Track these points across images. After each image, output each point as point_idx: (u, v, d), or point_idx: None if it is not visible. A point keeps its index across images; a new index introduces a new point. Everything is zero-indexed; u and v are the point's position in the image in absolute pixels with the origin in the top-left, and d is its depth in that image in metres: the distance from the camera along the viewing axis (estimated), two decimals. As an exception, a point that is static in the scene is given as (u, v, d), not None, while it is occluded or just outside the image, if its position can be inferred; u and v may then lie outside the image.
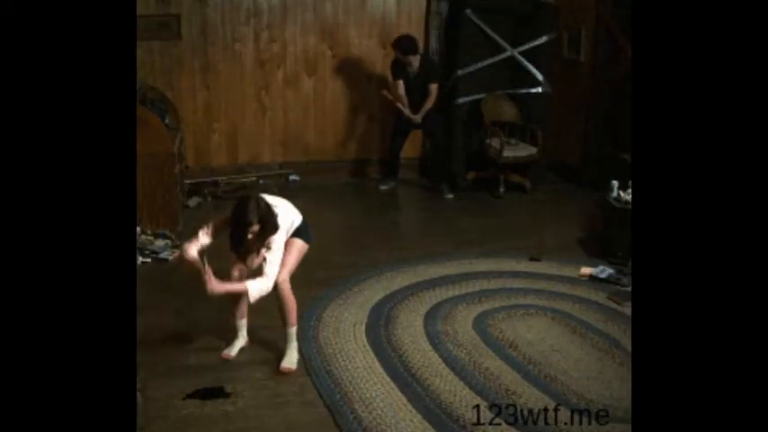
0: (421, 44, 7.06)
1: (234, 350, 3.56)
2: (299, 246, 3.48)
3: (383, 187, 6.66)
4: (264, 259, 3.29)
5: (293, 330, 3.47)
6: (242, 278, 3.40)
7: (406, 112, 6.29)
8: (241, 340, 3.61)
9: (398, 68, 6.30)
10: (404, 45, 6.16)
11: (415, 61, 6.21)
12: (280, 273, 3.32)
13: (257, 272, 3.35)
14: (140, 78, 5.86)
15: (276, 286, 3.31)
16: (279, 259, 3.30)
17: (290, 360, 3.44)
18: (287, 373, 3.38)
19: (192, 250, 3.24)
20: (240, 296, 3.46)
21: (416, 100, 6.30)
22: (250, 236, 3.20)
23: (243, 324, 3.61)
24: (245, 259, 3.39)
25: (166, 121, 5.54)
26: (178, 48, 6.45)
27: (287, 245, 3.40)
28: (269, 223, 3.22)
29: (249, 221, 3.15)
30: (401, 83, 6.28)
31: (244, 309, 3.58)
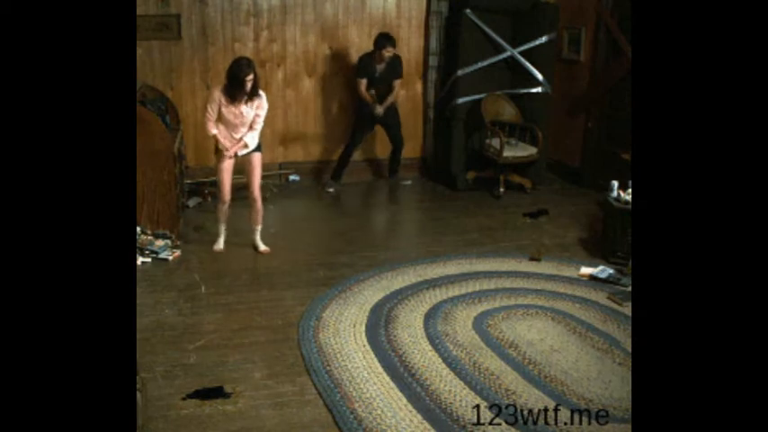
0: (421, 44, 7.08)
1: (221, 244, 5.03)
2: (259, 157, 4.95)
3: (329, 189, 6.69)
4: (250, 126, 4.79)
5: (259, 228, 5.07)
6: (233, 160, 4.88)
7: (373, 106, 6.43)
8: (223, 236, 5.05)
9: (363, 66, 6.43)
10: (380, 39, 6.34)
11: (387, 55, 6.34)
12: (254, 185, 4.93)
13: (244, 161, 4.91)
14: (140, 78, 5.87)
15: (252, 197, 4.95)
16: (264, 117, 4.80)
17: (262, 246, 5.04)
18: (266, 254, 4.96)
19: (213, 129, 4.77)
20: (225, 211, 4.98)
21: (381, 95, 6.52)
22: (248, 83, 4.54)
23: (223, 227, 5.04)
24: (240, 105, 4.67)
25: (166, 120, 5.54)
26: (178, 48, 6.45)
27: (253, 159, 4.88)
28: (257, 75, 4.62)
29: (246, 72, 4.51)
30: (364, 81, 6.42)
31: (224, 217, 5.01)
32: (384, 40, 6.31)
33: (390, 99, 6.51)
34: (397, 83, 6.54)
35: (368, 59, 6.41)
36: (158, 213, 5.07)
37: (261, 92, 4.79)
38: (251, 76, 4.56)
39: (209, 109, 4.74)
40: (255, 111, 4.73)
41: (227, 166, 4.84)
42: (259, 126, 4.81)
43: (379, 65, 6.40)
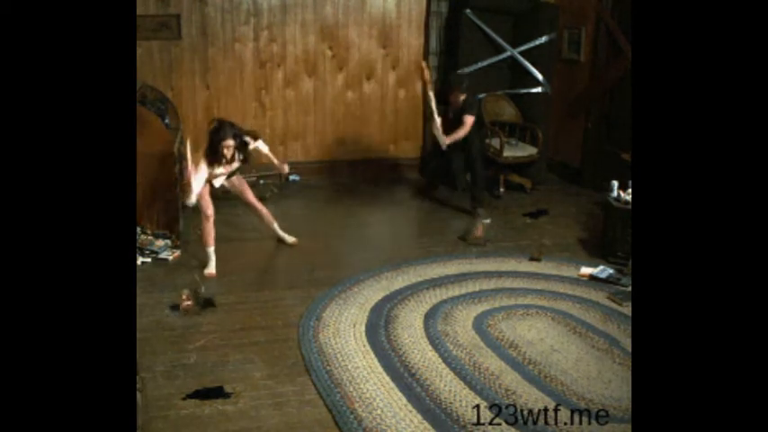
0: (421, 44, 7.08)
1: (213, 268, 4.59)
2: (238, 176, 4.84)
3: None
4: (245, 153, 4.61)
5: (276, 224, 5.09)
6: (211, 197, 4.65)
7: (442, 137, 5.75)
8: (213, 259, 4.62)
9: (440, 104, 5.81)
10: (454, 80, 5.80)
11: (461, 97, 5.73)
12: (251, 198, 4.91)
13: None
14: (140, 78, 5.87)
15: (253, 207, 4.97)
16: (265, 145, 4.82)
17: (289, 237, 5.12)
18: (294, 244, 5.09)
19: (195, 198, 4.39)
20: (210, 231, 4.59)
21: (451, 129, 5.79)
22: (226, 150, 4.31)
23: (212, 250, 4.63)
24: (220, 166, 4.44)
25: (166, 121, 5.54)
26: (178, 48, 6.45)
27: (234, 180, 4.77)
28: (241, 137, 4.41)
29: (221, 137, 4.26)
30: (439, 121, 5.77)
31: (211, 239, 4.63)
32: (455, 81, 5.77)
33: (460, 133, 5.73)
34: (468, 118, 5.72)
35: (442, 97, 5.88)
36: (158, 213, 5.07)
37: (258, 141, 4.71)
38: (230, 142, 4.27)
39: (195, 183, 4.29)
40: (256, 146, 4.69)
41: (205, 191, 4.55)
42: (264, 148, 4.82)
43: (453, 105, 5.82)
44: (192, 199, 4.33)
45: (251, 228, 5.49)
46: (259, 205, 5.00)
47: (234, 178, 4.79)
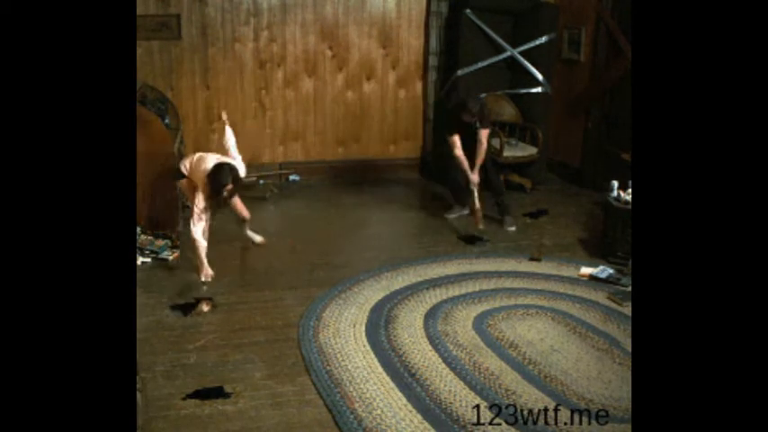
0: (421, 44, 7.08)
1: (210, 270, 4.50)
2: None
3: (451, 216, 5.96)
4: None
5: (247, 223, 5.01)
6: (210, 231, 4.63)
7: (468, 173, 5.50)
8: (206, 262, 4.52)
9: (453, 120, 5.48)
10: (473, 106, 5.35)
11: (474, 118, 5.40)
12: (240, 209, 4.84)
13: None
14: (140, 78, 5.87)
15: (232, 206, 4.75)
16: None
17: (257, 237, 5.03)
18: (264, 245, 5.00)
19: (199, 235, 4.41)
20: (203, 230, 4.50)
21: (471, 146, 5.50)
22: (226, 193, 4.37)
23: (209, 271, 4.52)
24: (217, 202, 4.48)
25: (166, 121, 5.54)
26: (178, 48, 6.45)
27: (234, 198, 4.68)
28: (238, 180, 4.45)
29: (226, 183, 4.32)
30: (457, 138, 5.44)
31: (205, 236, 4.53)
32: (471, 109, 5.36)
33: (480, 157, 5.50)
34: (483, 133, 5.46)
35: (454, 113, 5.52)
36: (158, 213, 5.07)
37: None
38: (229, 186, 4.36)
39: (198, 213, 4.39)
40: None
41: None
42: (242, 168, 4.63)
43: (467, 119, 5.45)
44: (197, 237, 4.38)
45: (251, 227, 5.49)
46: (235, 201, 4.76)
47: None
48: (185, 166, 4.57)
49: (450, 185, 6.02)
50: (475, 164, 5.48)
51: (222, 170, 4.34)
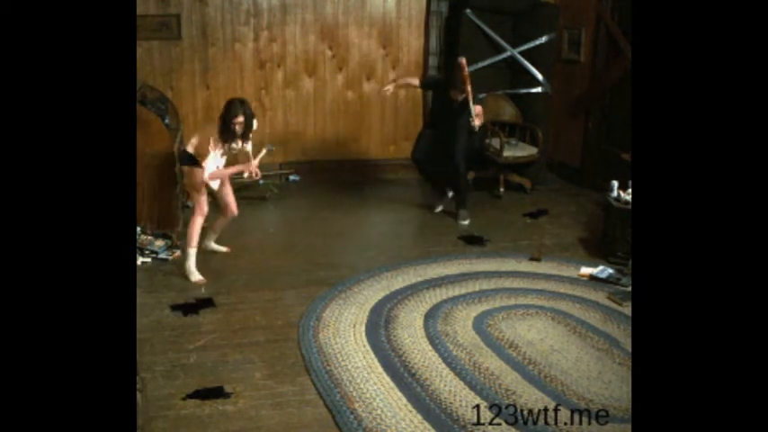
0: (421, 44, 7.08)
1: (196, 272, 4.49)
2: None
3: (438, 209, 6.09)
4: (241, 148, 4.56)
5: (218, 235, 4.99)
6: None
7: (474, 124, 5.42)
8: (193, 261, 4.51)
9: (441, 93, 5.68)
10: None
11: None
12: (233, 203, 4.77)
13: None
14: (140, 78, 5.87)
15: (234, 215, 4.79)
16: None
17: (221, 247, 4.97)
18: (229, 252, 4.93)
19: (196, 231, 4.47)
20: (197, 230, 4.52)
21: (451, 124, 5.67)
22: (237, 127, 4.30)
23: (194, 252, 4.52)
24: (230, 145, 4.42)
25: (166, 121, 5.54)
26: (178, 48, 6.45)
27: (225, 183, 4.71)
28: (249, 116, 4.38)
29: (234, 113, 4.27)
30: (479, 108, 5.46)
31: (196, 239, 4.52)
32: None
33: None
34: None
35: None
36: (158, 213, 5.07)
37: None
38: (240, 119, 4.29)
39: (209, 162, 4.32)
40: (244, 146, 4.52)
41: (203, 189, 4.53)
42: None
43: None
44: (206, 176, 4.35)
45: (251, 227, 5.49)
46: (233, 206, 4.76)
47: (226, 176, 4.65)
48: (192, 145, 4.45)
49: (424, 171, 6.17)
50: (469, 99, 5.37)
51: (233, 103, 4.32)
